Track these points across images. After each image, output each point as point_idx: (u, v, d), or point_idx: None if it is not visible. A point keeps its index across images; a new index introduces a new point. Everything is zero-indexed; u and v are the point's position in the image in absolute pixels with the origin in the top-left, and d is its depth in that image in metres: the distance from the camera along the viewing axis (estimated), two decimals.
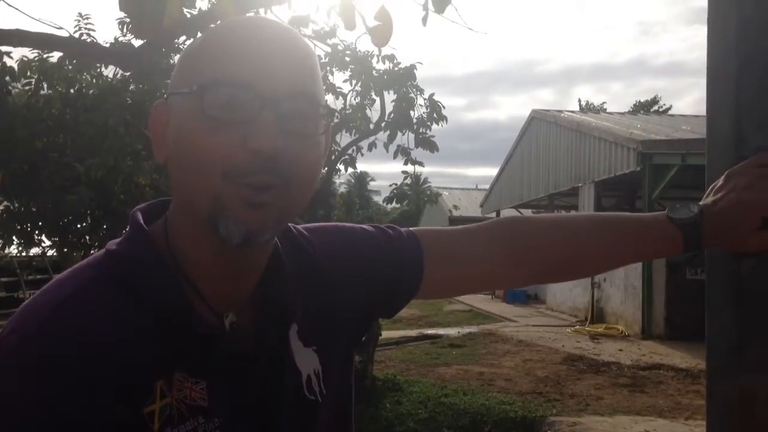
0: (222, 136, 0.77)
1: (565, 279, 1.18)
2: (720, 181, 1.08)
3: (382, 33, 2.65)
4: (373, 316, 1.09)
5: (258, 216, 0.79)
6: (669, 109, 41.46)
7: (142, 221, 0.88)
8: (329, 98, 7.82)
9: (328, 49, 7.57)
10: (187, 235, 0.85)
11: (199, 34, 1.17)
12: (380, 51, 7.57)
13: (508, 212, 21.02)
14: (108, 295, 0.80)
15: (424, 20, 2.72)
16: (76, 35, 6.26)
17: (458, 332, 13.38)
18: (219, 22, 1.15)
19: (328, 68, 7.78)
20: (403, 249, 1.05)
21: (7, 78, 7.14)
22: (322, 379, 0.95)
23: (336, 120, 7.88)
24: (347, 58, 7.75)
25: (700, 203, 1.09)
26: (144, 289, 0.82)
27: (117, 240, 0.87)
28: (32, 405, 0.72)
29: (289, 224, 1.00)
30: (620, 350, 11.05)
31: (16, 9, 2.10)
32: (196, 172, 0.79)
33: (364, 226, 1.09)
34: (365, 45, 8.63)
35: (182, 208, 0.85)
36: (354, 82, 8.11)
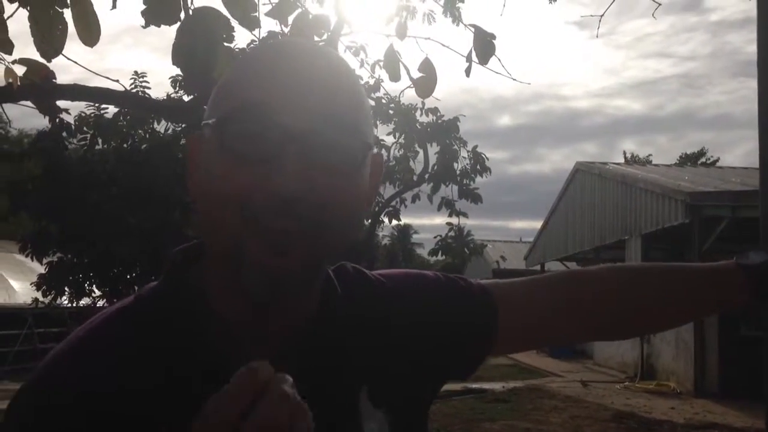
0: (241, 173, 0.69)
1: (628, 333, 1.09)
2: None
3: (426, 84, 2.69)
4: (448, 375, 0.98)
5: (283, 263, 0.69)
6: (717, 161, 40.78)
7: (178, 262, 0.82)
8: None
9: (373, 103, 7.69)
10: (218, 277, 0.77)
11: None
12: (424, 103, 7.67)
13: (552, 265, 20.71)
14: (124, 342, 0.75)
15: (468, 71, 2.76)
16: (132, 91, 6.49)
17: (503, 387, 13.07)
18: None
19: (372, 121, 7.90)
20: (476, 304, 0.96)
21: (64, 134, 7.42)
22: None
23: None
24: (391, 111, 7.87)
25: None
26: (167, 334, 0.75)
27: (151, 284, 0.82)
28: None
29: (364, 270, 0.93)
30: (672, 408, 10.65)
31: (75, 62, 2.19)
32: (214, 213, 0.72)
33: (437, 274, 1.00)
34: (409, 98, 8.78)
35: (208, 250, 0.79)
36: (398, 134, 8.21)
